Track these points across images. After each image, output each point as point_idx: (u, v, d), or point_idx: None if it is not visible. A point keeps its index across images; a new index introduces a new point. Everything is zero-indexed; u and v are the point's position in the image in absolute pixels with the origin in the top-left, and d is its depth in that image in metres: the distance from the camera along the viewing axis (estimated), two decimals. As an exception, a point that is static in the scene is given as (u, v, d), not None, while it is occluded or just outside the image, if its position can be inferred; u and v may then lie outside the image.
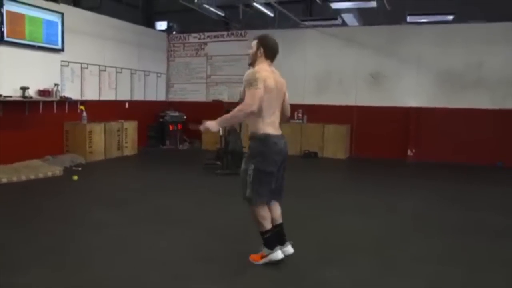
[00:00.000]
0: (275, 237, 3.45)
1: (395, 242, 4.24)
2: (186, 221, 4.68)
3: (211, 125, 3.31)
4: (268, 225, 3.40)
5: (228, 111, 7.59)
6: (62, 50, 8.15)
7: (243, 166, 3.44)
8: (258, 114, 3.29)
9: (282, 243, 3.50)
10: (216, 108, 8.65)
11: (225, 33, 11.13)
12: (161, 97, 11.55)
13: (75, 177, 6.66)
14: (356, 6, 10.52)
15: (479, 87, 9.30)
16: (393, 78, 9.94)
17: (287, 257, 3.47)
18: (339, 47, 10.27)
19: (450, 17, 11.05)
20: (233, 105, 7.52)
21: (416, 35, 9.76)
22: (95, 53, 9.18)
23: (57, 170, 7.01)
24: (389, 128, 9.98)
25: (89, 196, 5.79)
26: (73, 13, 8.47)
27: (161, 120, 10.93)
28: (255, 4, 10.29)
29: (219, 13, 11.20)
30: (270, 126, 3.38)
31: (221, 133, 8.00)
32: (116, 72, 9.80)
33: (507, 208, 5.59)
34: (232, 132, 7.56)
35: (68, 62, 8.45)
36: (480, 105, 9.24)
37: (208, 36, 11.24)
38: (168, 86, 11.72)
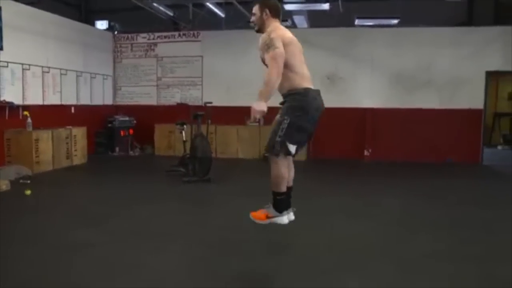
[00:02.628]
0: (286, 201, 3.35)
1: (397, 242, 4.18)
2: (169, 235, 4.30)
3: (259, 106, 3.05)
4: (284, 187, 3.27)
5: (196, 115, 7.32)
6: (1, 49, 7.26)
7: (277, 117, 3.23)
8: (288, 69, 3.15)
9: (287, 207, 3.40)
10: (183, 111, 8.21)
11: (176, 33, 10.65)
12: (108, 101, 10.78)
13: (28, 192, 5.89)
14: (309, 8, 10.61)
15: (429, 88, 9.73)
16: (348, 80, 10.10)
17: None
18: (294, 49, 10.22)
19: (395, 21, 11.54)
20: (201, 108, 7.40)
21: (369, 38, 10.01)
22: (37, 53, 8.30)
23: (3, 185, 6.17)
24: (346, 129, 10.13)
25: (52, 212, 5.13)
26: (12, 8, 7.57)
27: (109, 125, 10.19)
28: (208, 4, 9.99)
29: (168, 12, 10.73)
30: (306, 79, 3.26)
31: (184, 138, 7.58)
32: (61, 74, 8.96)
33: (478, 201, 5.86)
34: (199, 137, 7.17)
35: (8, 62, 7.55)
36: (430, 105, 9.67)
37: (158, 37, 10.68)
38: (115, 89, 10.98)
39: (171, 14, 10.89)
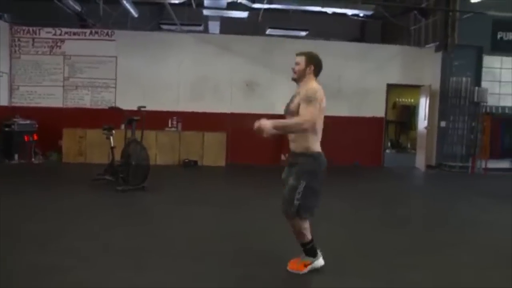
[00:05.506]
0: (315, 246, 3.54)
1: (380, 242, 4.51)
2: (136, 249, 3.99)
3: (266, 127, 3.19)
4: (310, 236, 3.49)
5: (130, 120, 6.90)
6: None
7: (292, 182, 3.37)
8: (313, 131, 3.34)
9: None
10: (114, 116, 7.60)
11: (87, 30, 9.85)
12: (3, 101, 9.50)
13: None
14: (228, 15, 10.71)
15: (339, 97, 10.51)
16: (266, 87, 10.41)
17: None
18: (214, 54, 10.22)
19: (304, 33, 12.28)
20: (135, 113, 6.94)
21: (285, 47, 10.41)
22: None
23: None
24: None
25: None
26: None
27: (6, 129, 9.00)
28: (123, 1, 9.45)
29: (76, 7, 9.90)
30: (319, 144, 3.43)
31: (112, 144, 7.06)
32: None
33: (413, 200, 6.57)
34: (133, 143, 6.75)
35: None
36: (340, 112, 10.44)
37: (65, 33, 9.74)
38: (12, 88, 9.72)
39: (78, 9, 10.06)
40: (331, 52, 10.36)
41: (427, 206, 6.89)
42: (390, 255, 4.14)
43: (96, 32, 9.83)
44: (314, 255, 3.51)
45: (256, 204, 6.15)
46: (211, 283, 3.36)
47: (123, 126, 8.22)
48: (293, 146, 3.47)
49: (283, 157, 10.49)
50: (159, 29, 11.66)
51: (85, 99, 9.87)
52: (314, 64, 3.48)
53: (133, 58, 9.90)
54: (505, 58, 10.17)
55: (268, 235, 4.62)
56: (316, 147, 3.39)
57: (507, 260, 4.06)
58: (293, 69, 3.53)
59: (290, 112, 3.41)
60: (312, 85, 3.40)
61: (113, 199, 6.09)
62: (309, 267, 3.50)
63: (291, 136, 3.49)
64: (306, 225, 3.44)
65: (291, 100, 3.47)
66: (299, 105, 3.30)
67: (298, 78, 3.51)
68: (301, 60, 3.49)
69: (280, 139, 10.48)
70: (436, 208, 6.58)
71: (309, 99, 3.26)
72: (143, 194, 6.44)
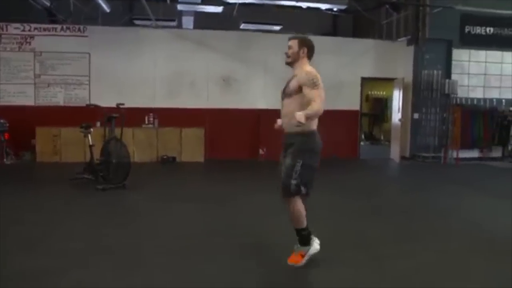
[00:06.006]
0: (309, 232, 3.58)
1: (363, 232, 4.62)
2: (132, 249, 3.96)
3: (302, 119, 3.19)
4: (305, 222, 3.53)
5: (110, 118, 6.80)
6: None
7: (288, 161, 3.43)
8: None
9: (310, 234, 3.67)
10: (89, 114, 7.44)
11: (58, 26, 9.57)
12: (-30, 100, 9.17)
13: None
14: (202, 10, 10.64)
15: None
16: (243, 82, 10.42)
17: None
18: (190, 50, 10.14)
19: (278, 27, 12.34)
20: (114, 110, 6.81)
21: (261, 42, 10.47)
22: None
23: None
24: (241, 129, 10.43)
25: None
26: None
27: (-24, 129, 8.69)
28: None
29: (45, 2, 9.60)
30: (315, 123, 3.51)
31: (91, 142, 6.93)
32: None
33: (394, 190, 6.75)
34: (112, 140, 6.64)
35: None
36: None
37: (35, 28, 9.43)
38: (-21, 86, 9.37)
39: (47, 3, 9.76)
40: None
41: (405, 196, 7.09)
42: (374, 245, 4.26)
43: (68, 28, 9.57)
44: (308, 243, 3.56)
45: (241, 199, 6.19)
46: (207, 279, 3.36)
47: (99, 124, 8.12)
48: (288, 127, 3.49)
49: (261, 152, 10.57)
50: (132, 24, 11.47)
51: (58, 97, 9.61)
52: (307, 47, 3.58)
53: (107, 54, 9.70)
54: (473, 51, 10.53)
55: (257, 230, 4.67)
56: (313, 126, 3.47)
57: (484, 244, 4.32)
58: (286, 53, 3.60)
59: (288, 94, 3.51)
60: (310, 68, 3.51)
61: (95, 198, 5.99)
62: (306, 257, 3.54)
63: (285, 118, 3.50)
64: (302, 210, 3.49)
65: (287, 84, 3.56)
66: (298, 88, 3.41)
67: (292, 62, 3.59)
68: (294, 43, 3.57)
69: (257, 133, 10.60)
70: (413, 197, 6.79)
71: (314, 83, 3.37)
72: (125, 192, 6.37)
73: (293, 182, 3.40)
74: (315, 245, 3.58)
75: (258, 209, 5.59)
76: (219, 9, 10.53)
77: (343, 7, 10.18)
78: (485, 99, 10.56)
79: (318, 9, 10.83)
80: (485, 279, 3.50)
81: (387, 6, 10.68)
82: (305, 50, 3.57)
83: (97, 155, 6.85)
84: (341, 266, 3.66)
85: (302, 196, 3.50)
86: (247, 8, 11.18)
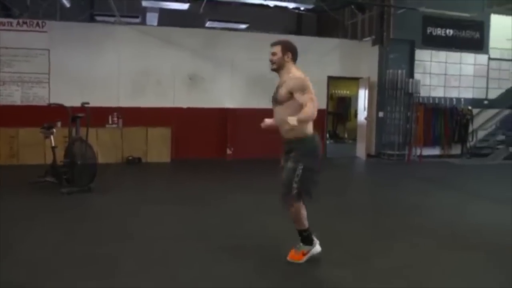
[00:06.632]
0: (311, 234, 3.64)
1: (340, 231, 4.57)
2: (97, 256, 3.76)
3: (295, 123, 3.24)
4: (306, 223, 3.58)
5: (74, 118, 6.50)
6: None
7: (290, 165, 3.46)
8: None
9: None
10: (49, 113, 7.05)
11: (14, 21, 9.04)
12: None
13: None
14: (168, 7, 10.41)
15: (282, 90, 10.63)
16: (210, 80, 10.27)
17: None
18: (155, 47, 9.87)
19: (244, 26, 12.28)
20: (79, 109, 6.50)
21: (228, 41, 10.36)
22: None
23: None
24: (208, 128, 10.28)
25: None
26: None
27: None
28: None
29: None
30: (311, 126, 3.55)
31: (53, 143, 6.59)
32: None
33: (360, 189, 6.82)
34: (77, 141, 6.34)
35: None
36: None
37: (-11, 23, 8.91)
38: None
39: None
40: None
41: (374, 193, 7.23)
42: (353, 243, 4.29)
43: (25, 23, 9.07)
44: (310, 243, 3.61)
45: (213, 200, 6.07)
46: (190, 285, 3.25)
47: (59, 124, 7.73)
48: (287, 134, 3.48)
49: (228, 151, 10.46)
50: (93, 20, 11.07)
51: (15, 96, 9.10)
52: (291, 51, 3.57)
53: (68, 51, 9.28)
54: (434, 52, 10.87)
55: (237, 231, 4.57)
56: (310, 130, 3.51)
57: (454, 238, 4.47)
58: (270, 60, 3.56)
59: (279, 102, 3.50)
60: (297, 73, 3.51)
61: (60, 203, 5.68)
62: (307, 256, 3.60)
63: (281, 125, 3.50)
64: (304, 212, 3.53)
65: (277, 90, 3.54)
66: (289, 94, 3.41)
67: (278, 68, 3.56)
68: (277, 49, 3.54)
69: (225, 132, 10.48)
70: (383, 195, 6.93)
71: (303, 88, 3.39)
72: (92, 196, 6.10)
73: (295, 185, 3.43)
74: (318, 246, 3.65)
75: (232, 210, 5.51)
76: (185, 6, 10.33)
77: (310, 6, 10.24)
78: (445, 98, 10.93)
79: (285, 8, 10.84)
80: (469, 274, 3.58)
81: (352, 6, 10.83)
82: (290, 55, 3.56)
83: (60, 157, 6.56)
84: (325, 265, 3.64)
85: (305, 199, 3.52)
86: (213, 5, 11.05)
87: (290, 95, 3.42)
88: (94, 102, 8.53)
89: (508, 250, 4.07)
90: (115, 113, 9.57)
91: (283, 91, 3.46)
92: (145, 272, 3.43)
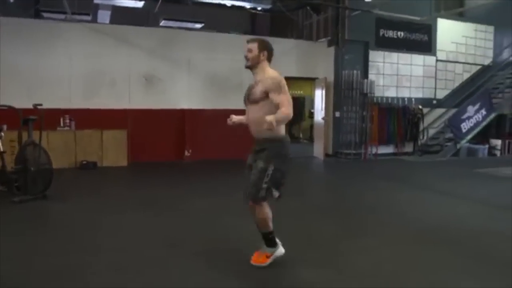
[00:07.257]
0: (275, 237, 3.60)
1: (313, 230, 4.55)
2: (66, 270, 3.51)
3: (273, 123, 3.14)
4: (271, 226, 3.54)
5: (26, 120, 6.09)
6: None
7: (261, 165, 3.38)
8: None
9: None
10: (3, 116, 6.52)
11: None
12: None
13: None
14: (121, 4, 10.06)
15: (240, 90, 10.49)
16: (166, 81, 10.02)
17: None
18: (109, 46, 9.49)
19: (199, 25, 12.11)
20: (30, 111, 6.06)
21: (185, 41, 10.15)
22: None
23: None
24: (166, 130, 10.03)
25: None
26: None
27: None
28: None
29: None
30: (284, 128, 3.51)
31: (1, 148, 6.12)
32: None
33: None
34: (30, 146, 5.92)
35: None
36: (241, 106, 10.50)
37: None
38: None
39: None
40: (229, 44, 10.39)
41: (337, 192, 7.33)
42: (326, 242, 4.29)
43: (-36, 19, 8.41)
44: (274, 245, 3.58)
45: (177, 204, 5.90)
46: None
47: (5, 127, 7.21)
48: (260, 134, 3.40)
49: (186, 153, 10.25)
50: (38, 17, 10.45)
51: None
52: (267, 49, 3.53)
53: (13, 49, 8.68)
54: (386, 53, 11.23)
55: (207, 236, 4.45)
56: (283, 131, 3.48)
57: (423, 233, 4.61)
58: (245, 56, 3.50)
59: (254, 101, 3.45)
60: (273, 73, 3.47)
61: (13, 213, 5.27)
62: (271, 258, 3.57)
63: (253, 124, 3.45)
64: (270, 214, 3.49)
65: (250, 89, 3.49)
66: (264, 93, 3.36)
67: (252, 65, 3.51)
68: (254, 47, 3.49)
69: (182, 134, 10.25)
70: (345, 193, 7.06)
71: (278, 86, 3.34)
72: (48, 204, 5.73)
73: (264, 186, 3.37)
74: (281, 248, 3.61)
75: (199, 214, 5.36)
76: (139, 4, 10.02)
77: (268, 6, 10.25)
78: (398, 98, 11.33)
79: (241, 7, 10.78)
80: (443, 268, 3.68)
81: (308, 7, 10.97)
82: (265, 53, 3.52)
83: (9, 162, 6.12)
84: (304, 266, 3.62)
85: (273, 199, 3.45)
86: (169, 4, 10.79)
87: (266, 94, 3.37)
88: (44, 103, 8.07)
89: (470, 240, 4.27)
90: (67, 115, 9.09)
91: (258, 90, 3.41)
92: (120, 284, 3.24)
